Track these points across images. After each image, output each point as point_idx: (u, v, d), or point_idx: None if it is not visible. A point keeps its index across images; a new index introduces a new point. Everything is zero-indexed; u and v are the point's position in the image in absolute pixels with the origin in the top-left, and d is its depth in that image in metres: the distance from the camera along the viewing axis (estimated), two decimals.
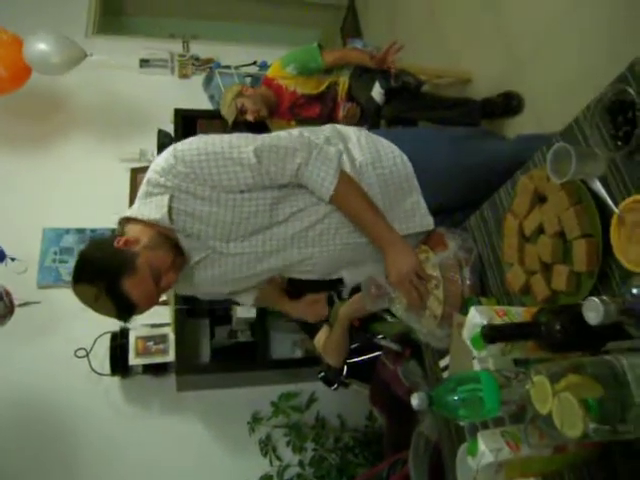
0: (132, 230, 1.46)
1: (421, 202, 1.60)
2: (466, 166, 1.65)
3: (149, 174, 1.46)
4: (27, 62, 3.15)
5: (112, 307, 1.40)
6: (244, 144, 1.44)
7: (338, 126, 1.67)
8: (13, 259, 2.55)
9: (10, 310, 2.50)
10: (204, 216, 1.44)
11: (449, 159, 1.65)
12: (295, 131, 1.59)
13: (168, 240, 1.46)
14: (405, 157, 1.60)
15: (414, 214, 1.60)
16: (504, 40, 2.82)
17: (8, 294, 2.51)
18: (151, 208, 1.43)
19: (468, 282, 1.42)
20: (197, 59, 4.26)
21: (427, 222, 1.61)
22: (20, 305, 2.58)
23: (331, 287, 1.83)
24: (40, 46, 3.12)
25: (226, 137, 1.48)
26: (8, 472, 2.84)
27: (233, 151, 1.42)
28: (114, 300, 1.38)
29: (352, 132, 1.64)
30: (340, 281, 1.72)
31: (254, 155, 1.41)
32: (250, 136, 1.51)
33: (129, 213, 1.49)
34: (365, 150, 1.58)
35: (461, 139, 1.74)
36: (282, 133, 1.56)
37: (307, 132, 1.57)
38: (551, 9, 2.51)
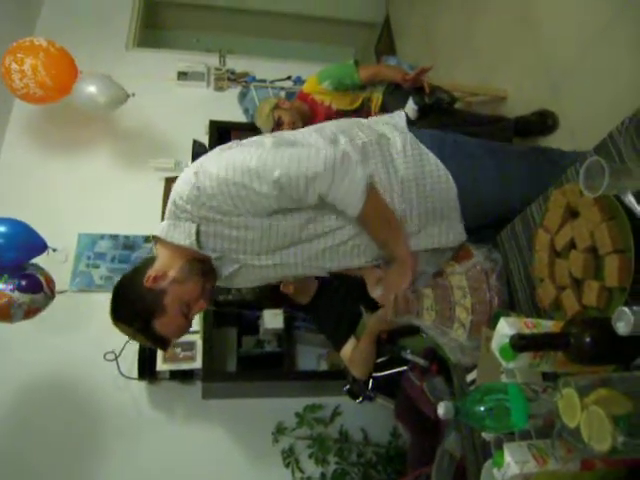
0: (162, 254, 1.51)
1: (459, 223, 1.58)
2: (511, 194, 1.61)
3: (174, 196, 1.46)
4: (77, 104, 3.39)
5: (149, 342, 1.54)
6: (262, 171, 1.38)
7: (381, 126, 1.61)
8: (55, 249, 2.63)
9: (49, 298, 2.55)
10: (233, 238, 1.46)
11: (495, 187, 1.61)
12: (328, 129, 1.56)
13: (197, 263, 1.49)
14: (450, 177, 1.55)
15: (449, 232, 1.58)
16: (539, 58, 2.82)
17: (50, 282, 2.55)
18: (180, 233, 1.45)
19: (496, 290, 1.42)
20: (233, 73, 4.34)
21: (460, 239, 1.59)
22: (58, 292, 2.65)
23: None
24: (89, 89, 3.32)
25: (247, 160, 1.40)
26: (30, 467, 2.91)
27: (254, 182, 1.38)
28: (149, 338, 1.52)
29: (397, 136, 1.57)
30: None
31: (274, 188, 1.38)
32: (273, 150, 1.43)
33: (158, 233, 1.51)
34: (410, 163, 1.53)
35: (512, 162, 1.67)
36: (311, 141, 1.50)
37: (342, 135, 1.54)
38: (586, 28, 2.51)
